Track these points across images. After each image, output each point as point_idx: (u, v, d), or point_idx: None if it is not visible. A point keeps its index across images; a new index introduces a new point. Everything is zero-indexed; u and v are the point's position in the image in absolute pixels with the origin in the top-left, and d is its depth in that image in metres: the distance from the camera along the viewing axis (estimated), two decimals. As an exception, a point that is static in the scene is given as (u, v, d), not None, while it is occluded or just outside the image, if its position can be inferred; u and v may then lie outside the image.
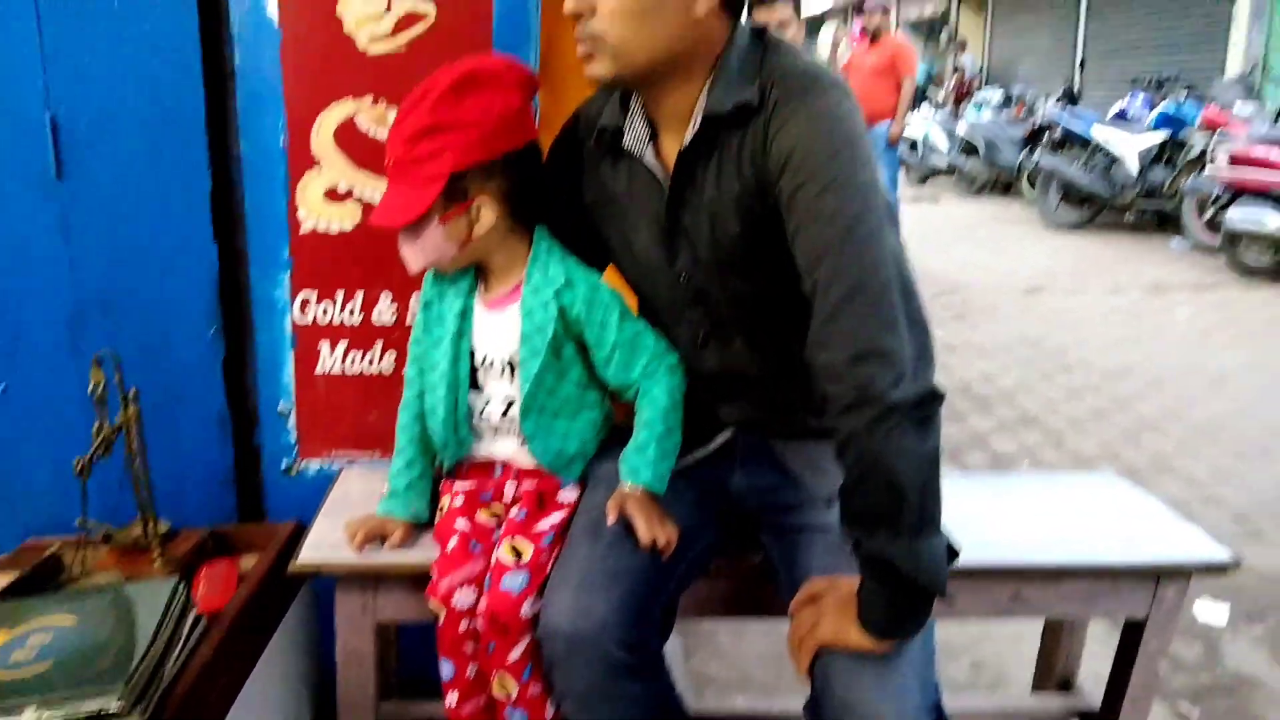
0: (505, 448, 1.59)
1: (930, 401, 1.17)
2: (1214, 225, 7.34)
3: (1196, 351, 5.16)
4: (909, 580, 1.17)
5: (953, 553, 1.28)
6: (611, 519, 1.42)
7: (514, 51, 1.69)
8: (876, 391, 1.14)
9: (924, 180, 13.04)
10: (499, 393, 1.54)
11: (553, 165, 1.56)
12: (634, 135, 1.41)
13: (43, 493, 1.86)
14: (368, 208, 1.78)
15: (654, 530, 1.40)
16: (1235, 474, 3.60)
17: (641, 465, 1.48)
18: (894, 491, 1.16)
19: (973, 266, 7.60)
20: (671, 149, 1.39)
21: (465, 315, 1.52)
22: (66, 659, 1.24)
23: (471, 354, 1.53)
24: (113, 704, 1.17)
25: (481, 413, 1.56)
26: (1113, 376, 4.76)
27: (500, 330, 1.51)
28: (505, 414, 1.54)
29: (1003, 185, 11.79)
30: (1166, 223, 8.86)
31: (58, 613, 1.35)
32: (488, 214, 1.45)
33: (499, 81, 1.41)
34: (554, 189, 1.54)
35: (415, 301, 1.75)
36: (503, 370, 1.52)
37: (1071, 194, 9.18)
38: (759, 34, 1.37)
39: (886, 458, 1.15)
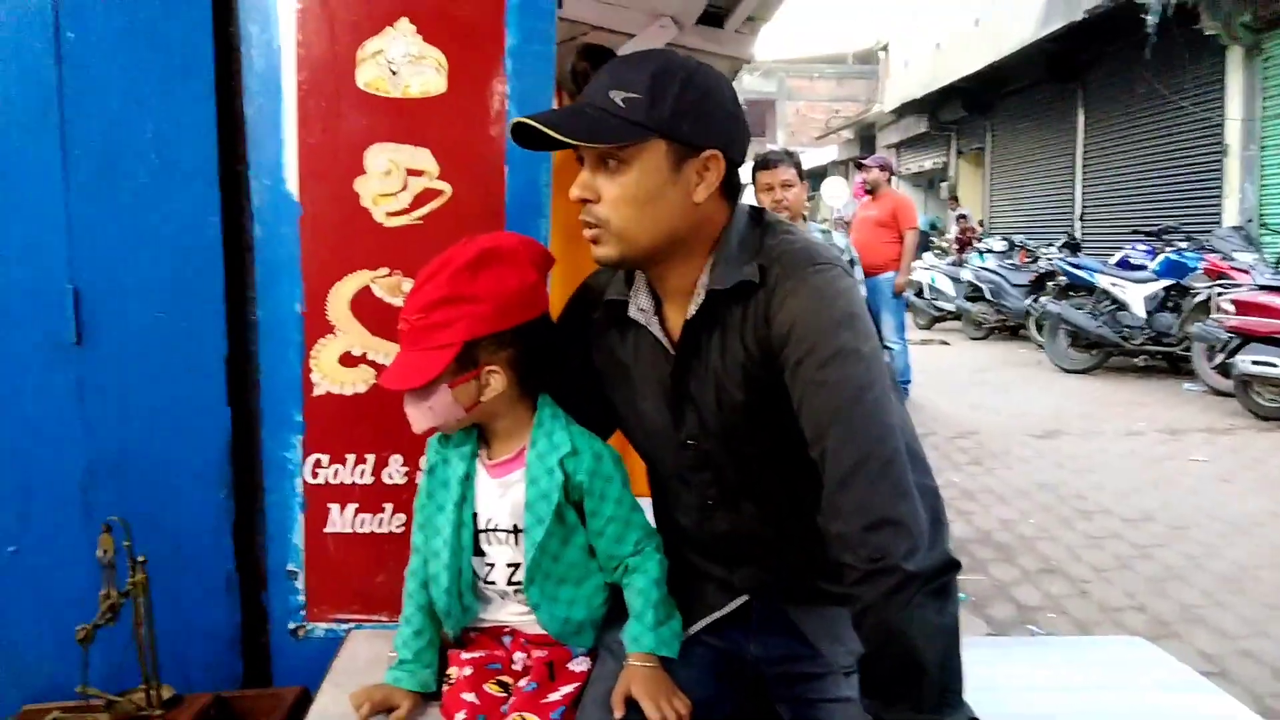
0: (511, 614, 1.56)
1: (946, 570, 1.16)
2: (1224, 370, 7.37)
3: (1217, 497, 5.10)
4: None
5: None
6: (618, 713, 1.37)
7: (526, 226, 1.76)
8: (893, 561, 1.14)
9: (931, 325, 13.20)
10: (503, 558, 1.53)
11: (561, 332, 1.60)
12: (639, 307, 1.45)
13: (45, 657, 1.82)
14: (380, 370, 1.81)
15: (663, 708, 1.36)
16: (1267, 626, 3.49)
17: (643, 632, 1.45)
18: (914, 665, 1.14)
19: (986, 410, 7.60)
20: (676, 319, 1.43)
21: (468, 480, 1.53)
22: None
23: (475, 519, 1.53)
24: None
25: (486, 579, 1.54)
26: (1133, 523, 4.68)
27: (504, 496, 1.52)
28: (510, 580, 1.52)
29: (1010, 329, 11.92)
30: (1177, 365, 8.89)
31: (51, 792, 1.31)
32: (497, 381, 1.47)
33: (515, 258, 1.47)
34: (562, 355, 1.57)
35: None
36: (507, 536, 1.52)
37: (1080, 338, 9.26)
38: (757, 214, 1.43)
39: (905, 630, 1.14)
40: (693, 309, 1.37)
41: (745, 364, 1.35)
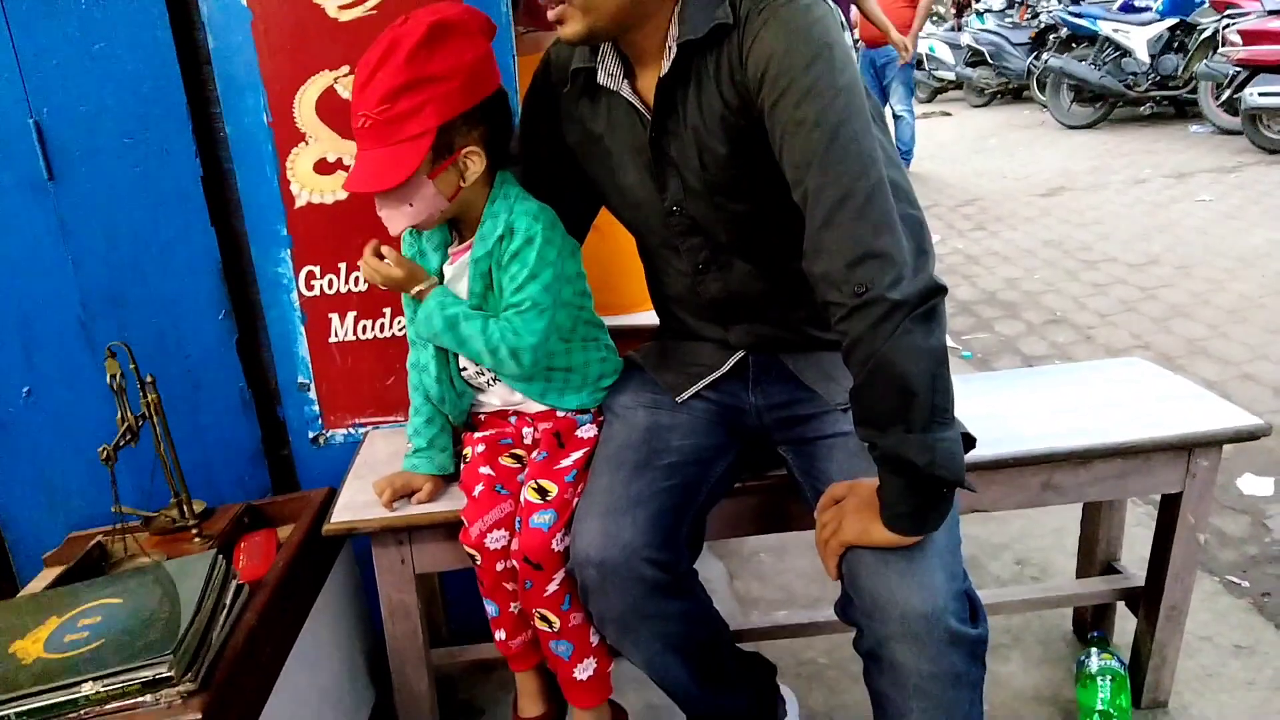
0: (503, 398, 1.60)
1: (932, 295, 1.16)
2: (1232, 107, 7.18)
3: (1223, 234, 5.07)
4: (926, 474, 1.17)
5: (969, 442, 1.27)
6: None
7: (485, 4, 1.68)
8: (877, 293, 1.14)
9: (933, 96, 12.82)
10: None
11: (529, 113, 1.56)
12: (608, 72, 1.40)
13: (80, 488, 1.91)
14: (359, 174, 1.79)
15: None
16: (1269, 350, 3.54)
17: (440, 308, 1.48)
18: (903, 389, 1.15)
19: (989, 175, 7.49)
20: (648, 82, 1.38)
21: (442, 273, 1.53)
22: (116, 636, 1.27)
23: None
24: (164, 670, 1.21)
25: (462, 368, 1.57)
26: (1139, 268, 4.68)
27: (460, 280, 1.52)
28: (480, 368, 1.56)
29: (1013, 92, 11.57)
30: (1184, 110, 8.66)
31: (104, 595, 1.39)
32: (475, 163, 1.44)
33: (466, 28, 1.40)
34: (532, 136, 1.53)
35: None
36: None
37: (1084, 92, 8.99)
38: None
39: (893, 357, 1.15)
40: (666, 65, 1.33)
41: (725, 115, 1.32)
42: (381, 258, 1.50)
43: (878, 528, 1.24)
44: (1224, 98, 7.29)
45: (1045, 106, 9.80)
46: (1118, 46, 8.59)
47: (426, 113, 1.36)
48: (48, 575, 1.63)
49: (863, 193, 1.17)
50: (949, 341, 3.38)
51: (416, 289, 1.49)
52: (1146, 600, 1.82)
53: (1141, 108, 9.14)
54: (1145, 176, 6.68)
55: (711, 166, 1.36)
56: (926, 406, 1.17)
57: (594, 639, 1.49)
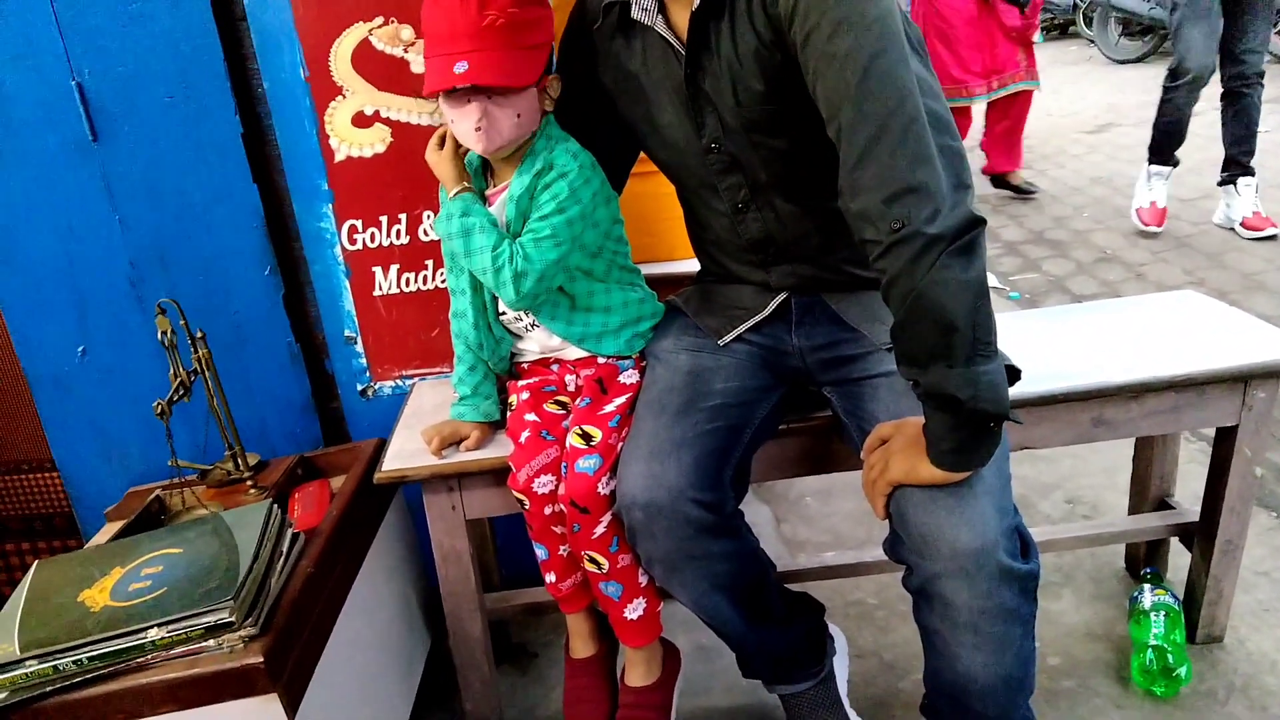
0: (544, 344, 1.61)
1: (970, 228, 1.14)
2: (1290, 33, 6.92)
3: (1278, 166, 4.91)
4: (970, 408, 1.16)
5: (1014, 374, 1.26)
6: None
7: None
8: (914, 228, 1.12)
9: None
10: None
11: (566, 55, 1.55)
12: (641, 7, 1.39)
13: (137, 444, 1.96)
14: (397, 128, 1.79)
15: None
16: (1329, 283, 3.45)
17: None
18: (943, 324, 1.14)
19: (1035, 113, 7.19)
20: (681, 18, 1.37)
21: None
22: (178, 584, 1.31)
23: None
24: (225, 615, 1.24)
25: (500, 312, 1.58)
26: (1191, 202, 4.56)
27: (499, 221, 1.51)
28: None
29: (1059, 27, 11.24)
30: (1238, 38, 8.36)
31: (165, 546, 1.43)
32: (555, 89, 1.48)
33: None
34: (570, 78, 1.52)
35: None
36: None
37: (1132, 25, 8.71)
38: None
39: (931, 292, 1.13)
40: None
41: (759, 50, 1.30)
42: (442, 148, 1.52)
43: (925, 466, 1.23)
44: (1280, 24, 7.03)
45: (1092, 41, 9.52)
46: (1167, -25, 8.32)
47: (545, 27, 1.42)
48: (110, 529, 1.68)
49: (898, 127, 1.14)
50: (995, 282, 3.31)
51: (456, 189, 1.49)
52: (1201, 535, 1.80)
53: (1193, 38, 8.85)
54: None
55: (747, 102, 1.35)
56: (968, 341, 1.15)
57: (643, 579, 1.51)
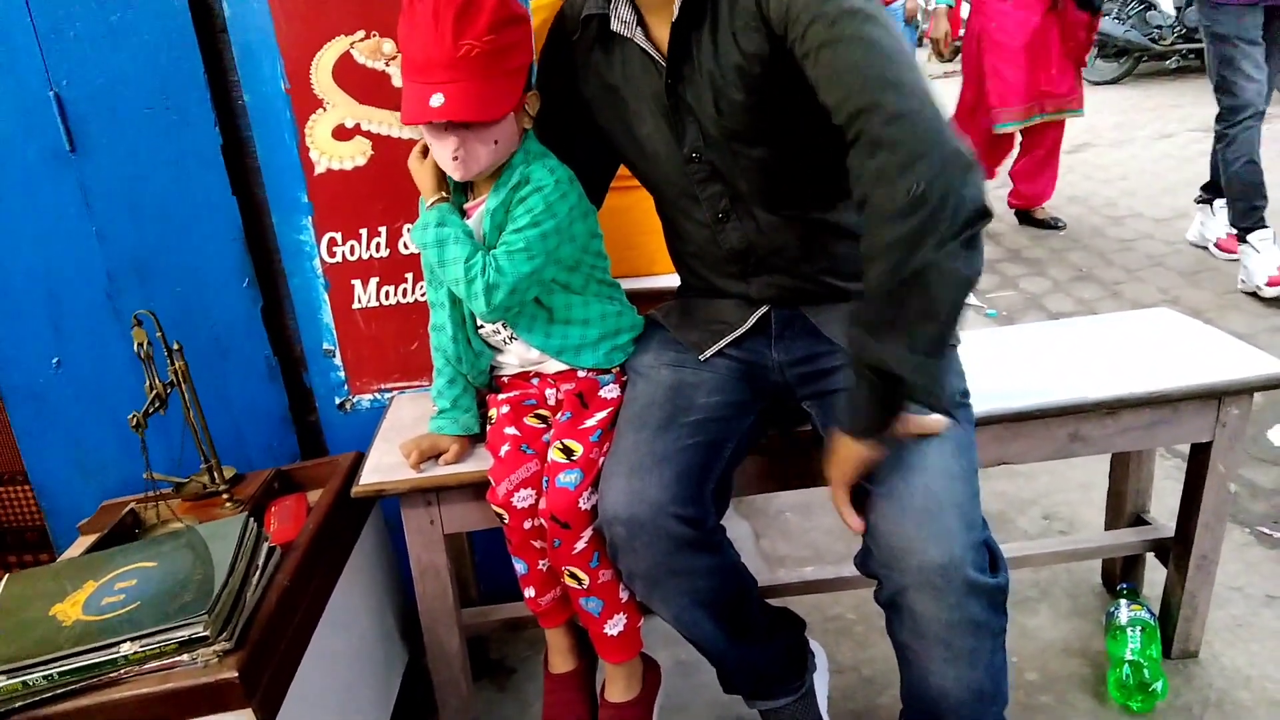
0: (523, 357, 1.61)
1: (981, 217, 1.14)
2: (1262, 56, 7.01)
3: (1253, 186, 4.97)
4: (910, 394, 1.20)
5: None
6: None
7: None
8: (933, 200, 1.10)
9: (954, 56, 12.62)
10: None
11: (545, 68, 1.56)
12: (620, 19, 1.40)
13: (112, 457, 1.93)
14: (377, 141, 1.79)
15: None
16: (1303, 300, 3.49)
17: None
18: (928, 311, 1.15)
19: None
20: (661, 31, 1.38)
21: None
22: (152, 598, 1.29)
23: None
24: (199, 630, 1.23)
25: (479, 325, 1.58)
26: (1166, 222, 4.62)
27: (475, 235, 1.51)
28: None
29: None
30: (1211, 62, 8.48)
31: (138, 559, 1.41)
32: (534, 105, 1.47)
33: None
34: (549, 92, 1.53)
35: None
36: None
37: (1108, 47, 8.83)
38: None
39: (930, 276, 1.13)
40: (676, 8, 1.32)
41: (740, 62, 1.31)
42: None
43: (850, 451, 1.27)
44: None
45: (1069, 62, 9.65)
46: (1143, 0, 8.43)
47: (524, 48, 1.40)
48: (83, 542, 1.65)
49: (916, 100, 1.14)
50: (972, 299, 3.35)
51: (432, 199, 1.48)
52: (1176, 551, 1.82)
53: (1168, 61, 8.96)
54: (1172, 131, 6.57)
55: (728, 112, 1.36)
56: (938, 333, 1.17)
57: (623, 595, 1.50)
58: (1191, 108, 7.26)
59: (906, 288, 1.14)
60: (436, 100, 1.32)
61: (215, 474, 1.71)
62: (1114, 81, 8.86)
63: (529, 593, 1.58)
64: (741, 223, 1.47)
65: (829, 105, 1.20)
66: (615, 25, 1.40)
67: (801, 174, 1.38)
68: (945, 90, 9.34)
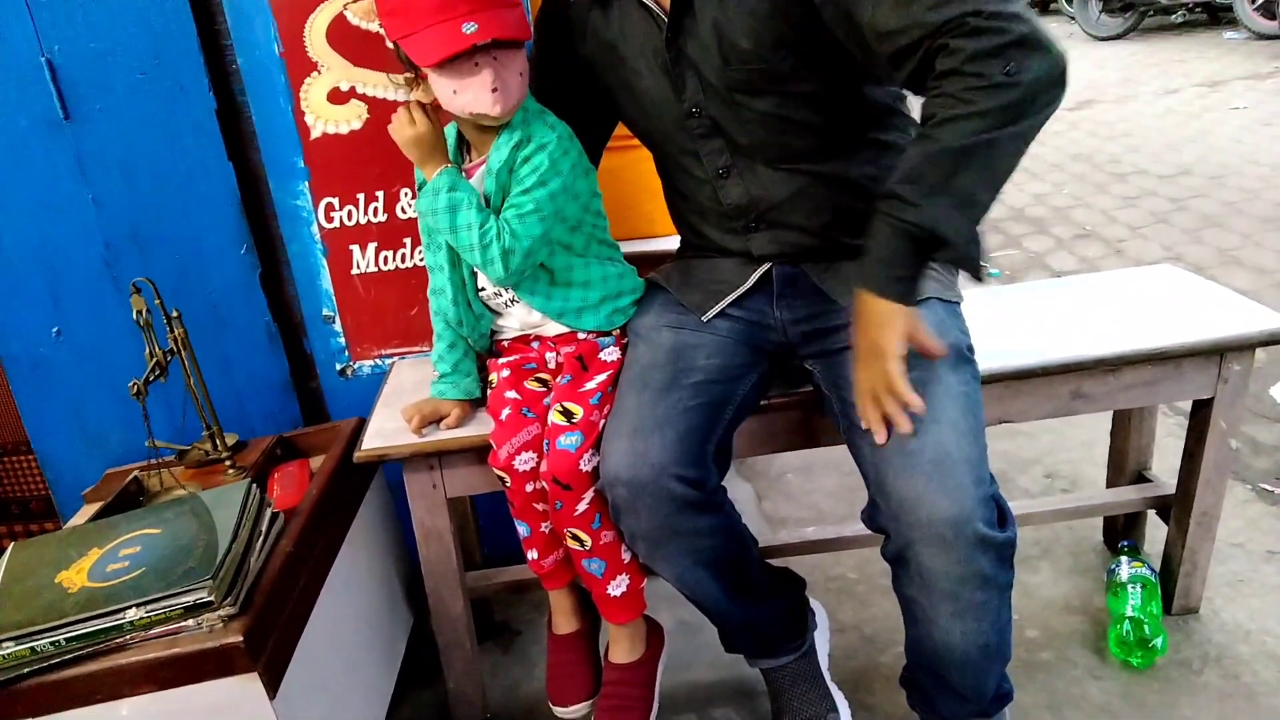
0: (520, 317, 1.60)
1: (1060, 84, 1.15)
2: (1269, 10, 6.94)
3: (1258, 142, 4.94)
4: (950, 254, 1.20)
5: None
6: None
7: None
8: (1028, 81, 1.11)
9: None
10: None
11: (542, 30, 1.55)
12: None
13: (114, 425, 1.94)
14: (373, 104, 1.77)
15: None
16: (1306, 257, 3.48)
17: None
18: (988, 181, 1.17)
19: (1015, 92, 7.31)
20: None
21: None
22: (156, 564, 1.30)
23: None
24: (204, 595, 1.23)
25: (480, 288, 1.57)
26: (1170, 179, 4.59)
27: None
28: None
29: (1040, 4, 11.25)
30: (1217, 17, 8.40)
31: (142, 526, 1.42)
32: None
33: None
34: (546, 52, 1.51)
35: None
36: None
37: (1112, 2, 8.73)
38: None
39: (1004, 148, 1.15)
40: None
41: (753, 6, 1.29)
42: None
43: (893, 316, 1.24)
44: (1260, 1, 7.05)
45: (1073, 18, 9.54)
46: (1148, -48, 8.32)
47: None
48: (88, 510, 1.67)
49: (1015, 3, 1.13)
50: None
51: (436, 167, 1.46)
52: (1178, 507, 1.82)
53: (1173, 16, 8.88)
54: (1176, 86, 6.51)
55: (734, 60, 1.34)
56: (985, 203, 1.18)
57: (625, 556, 1.51)
58: (1196, 62, 7.19)
59: (978, 157, 1.15)
60: (470, 27, 1.30)
61: (217, 441, 1.72)
62: (1118, 37, 8.78)
63: (532, 555, 1.59)
64: (742, 177, 1.46)
65: (888, 28, 1.18)
66: None
67: (804, 127, 1.37)
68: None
